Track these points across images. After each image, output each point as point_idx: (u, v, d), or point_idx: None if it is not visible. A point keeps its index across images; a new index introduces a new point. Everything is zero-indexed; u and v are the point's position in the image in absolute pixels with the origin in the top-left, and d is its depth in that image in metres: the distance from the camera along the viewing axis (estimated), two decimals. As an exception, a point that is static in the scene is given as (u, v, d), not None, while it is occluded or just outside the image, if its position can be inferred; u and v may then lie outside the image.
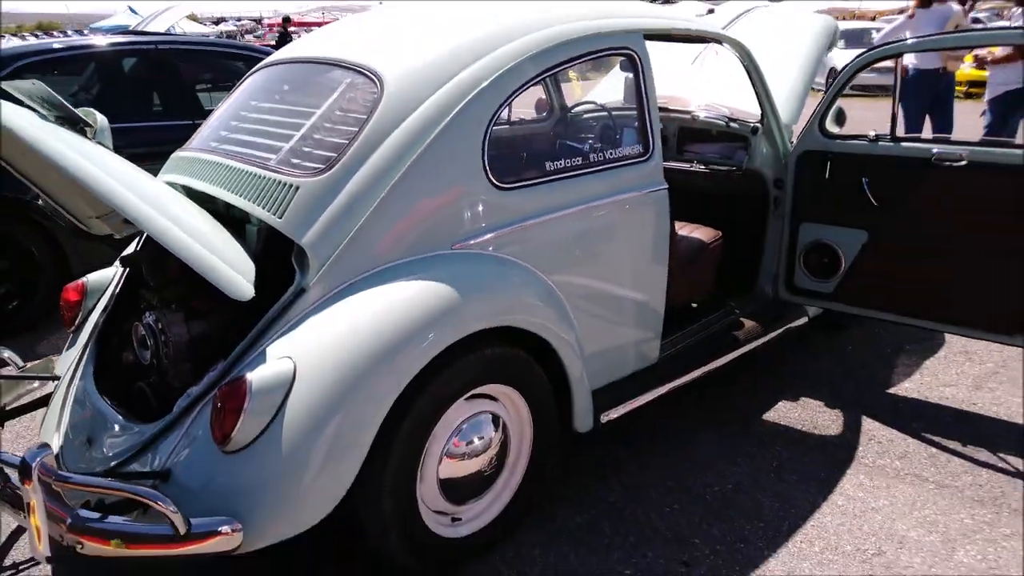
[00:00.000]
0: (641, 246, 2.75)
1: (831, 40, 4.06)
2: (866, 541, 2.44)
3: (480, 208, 2.30)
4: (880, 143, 3.16)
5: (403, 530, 2.15)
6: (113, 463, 2.12)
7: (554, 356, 2.43)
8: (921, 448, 2.94)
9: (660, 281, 2.84)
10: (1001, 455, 2.87)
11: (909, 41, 3.08)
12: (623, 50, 2.68)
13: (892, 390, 3.40)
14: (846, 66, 3.21)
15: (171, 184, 2.59)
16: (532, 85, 2.43)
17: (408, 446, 2.09)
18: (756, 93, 3.36)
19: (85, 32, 7.32)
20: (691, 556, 2.39)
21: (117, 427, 2.25)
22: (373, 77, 2.36)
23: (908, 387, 3.42)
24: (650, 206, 2.74)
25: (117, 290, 2.72)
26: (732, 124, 3.58)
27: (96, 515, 1.82)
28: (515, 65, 2.36)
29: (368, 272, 2.15)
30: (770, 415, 3.22)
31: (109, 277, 2.85)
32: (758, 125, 3.46)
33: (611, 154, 2.65)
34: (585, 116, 3.48)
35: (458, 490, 2.30)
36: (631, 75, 2.73)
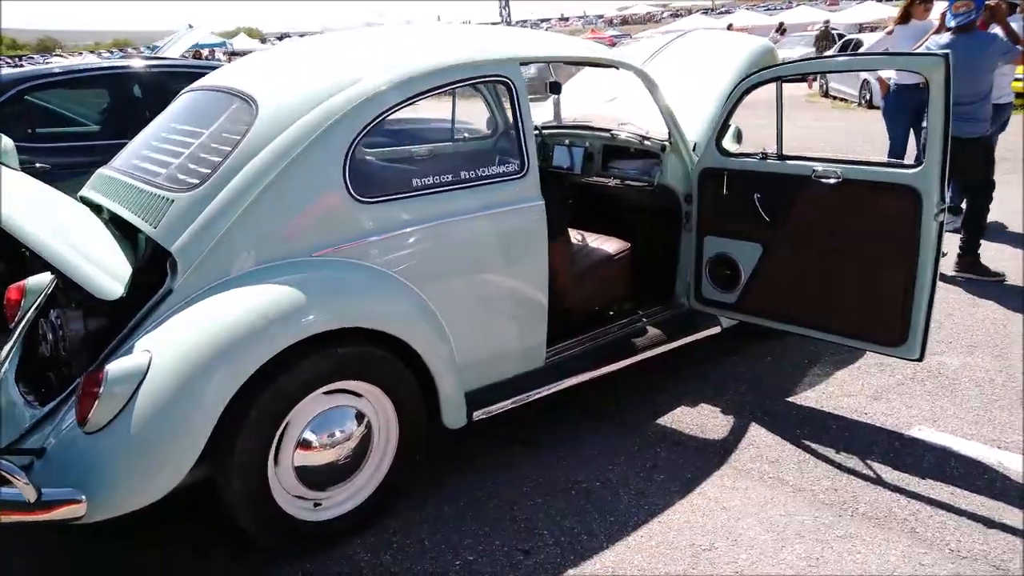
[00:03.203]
0: (517, 258, 2.94)
1: (763, 64, 4.19)
2: (704, 538, 2.58)
3: (340, 220, 2.53)
4: (768, 160, 3.29)
5: (256, 509, 2.39)
6: (6, 443, 2.41)
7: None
8: (795, 454, 3.05)
9: (539, 291, 3.03)
10: (869, 462, 2.96)
11: (789, 64, 3.20)
12: (497, 78, 2.89)
13: (792, 398, 3.51)
14: (735, 88, 3.36)
15: (85, 198, 2.91)
16: (398, 110, 2.66)
17: (256, 433, 2.33)
18: (661, 113, 3.53)
19: (152, 48, 7.82)
20: (534, 546, 2.57)
21: (19, 412, 2.56)
22: (251, 102, 2.63)
23: (808, 396, 3.52)
24: (525, 220, 2.93)
25: (50, 290, 3.04)
26: (645, 142, 3.75)
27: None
28: (377, 93, 2.59)
29: (230, 276, 2.41)
30: (665, 418, 3.37)
31: (49, 278, 3.17)
32: (666, 143, 3.62)
33: (485, 171, 2.86)
34: (464, 137, 3.69)
35: (316, 477, 2.53)
36: (507, 101, 2.93)
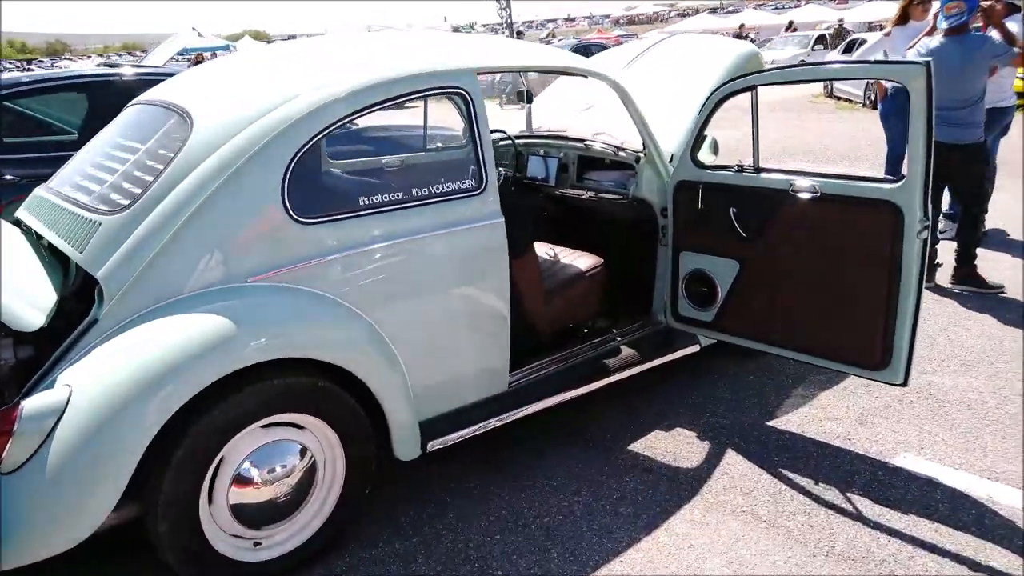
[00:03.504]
0: (476, 279, 2.79)
1: (747, 69, 4.03)
2: (667, 579, 2.42)
3: (279, 242, 2.39)
4: (744, 173, 3.13)
5: (186, 551, 2.25)
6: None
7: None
8: (771, 485, 2.88)
9: (501, 313, 2.88)
10: (849, 495, 2.80)
11: (765, 72, 3.04)
12: (453, 89, 2.74)
13: (773, 422, 3.34)
14: (709, 98, 3.20)
15: (19, 220, 2.78)
16: (342, 125, 2.51)
17: (184, 471, 2.19)
18: (634, 123, 3.37)
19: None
20: (486, 587, 2.42)
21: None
22: (186, 118, 2.49)
23: (790, 419, 3.35)
24: (484, 239, 2.78)
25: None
26: (620, 153, 3.60)
27: None
28: (318, 108, 2.44)
29: (159, 304, 2.26)
30: (636, 444, 3.21)
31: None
32: (641, 155, 3.47)
33: (439, 188, 2.71)
34: (417, 152, 3.53)
35: (255, 515, 2.39)
36: (464, 113, 2.78)
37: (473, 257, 2.77)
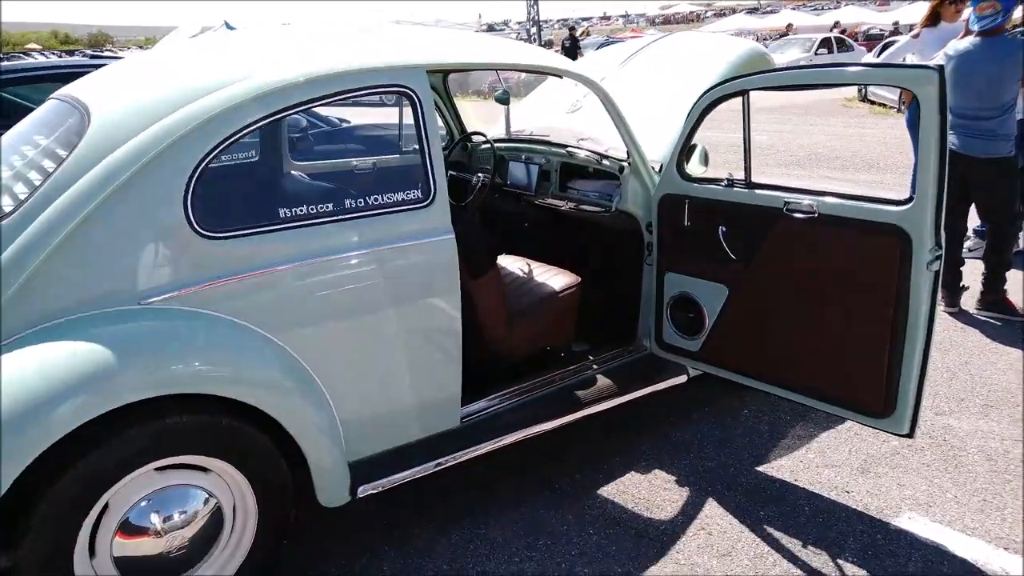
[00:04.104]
0: (420, 302, 2.48)
1: (751, 70, 3.67)
2: (617, 662, 2.08)
3: (181, 259, 2.09)
4: (735, 189, 2.78)
5: (59, 613, 1.96)
6: None
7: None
8: (752, 545, 2.53)
9: (449, 340, 2.56)
10: (841, 562, 2.43)
11: (758, 75, 2.68)
12: (397, 88, 2.42)
13: (764, 467, 2.98)
14: (696, 103, 2.85)
15: None
16: (261, 125, 2.20)
17: (54, 522, 1.90)
18: (617, 129, 3.03)
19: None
20: (407, 663, 2.10)
21: None
22: (85, 114, 2.20)
23: (783, 464, 2.99)
24: (430, 257, 2.46)
25: None
26: (604, 161, 3.26)
27: None
28: (229, 109, 2.13)
29: (36, 328, 1.97)
30: (607, 488, 2.87)
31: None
32: (625, 164, 3.13)
33: (378, 199, 2.39)
34: (355, 158, 3.20)
35: (148, 570, 2.09)
36: (410, 115, 2.46)
37: (417, 277, 2.45)
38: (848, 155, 9.86)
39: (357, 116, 6.09)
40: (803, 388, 2.72)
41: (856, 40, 25.95)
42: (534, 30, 23.12)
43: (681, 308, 3.04)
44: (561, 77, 2.95)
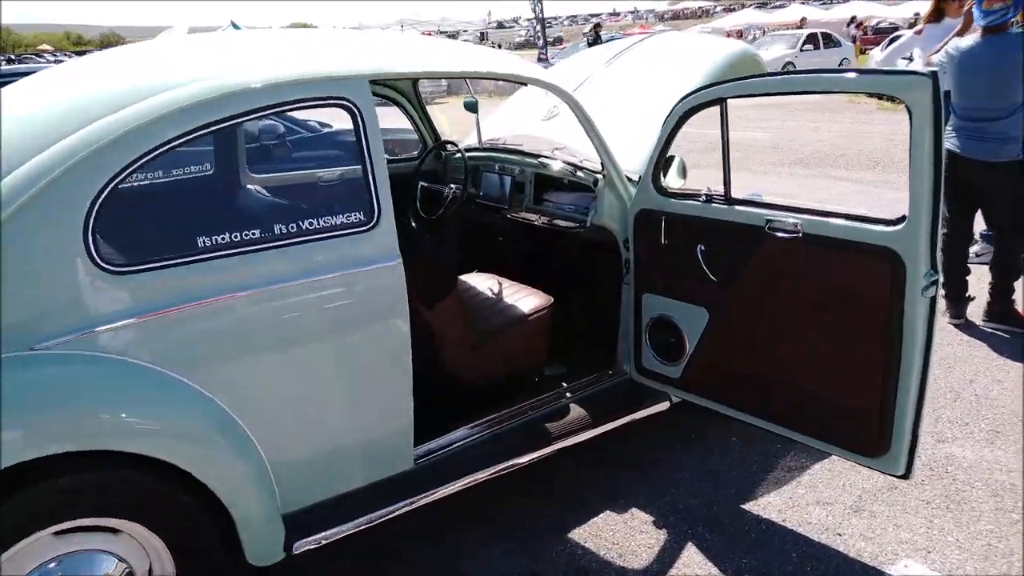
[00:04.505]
0: (363, 335, 2.26)
1: (736, 73, 3.44)
2: None
3: (79, 298, 1.86)
4: (713, 204, 2.55)
5: None
6: None
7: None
8: (732, 598, 2.30)
9: (397, 375, 2.33)
10: (829, 619, 2.20)
11: (736, 82, 2.44)
12: (335, 100, 2.20)
13: (750, 504, 2.75)
14: (671, 112, 2.61)
15: None
16: (173, 148, 1.98)
17: (-66, 599, 1.70)
18: (589, 139, 2.81)
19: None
20: None
21: None
22: (-16, 134, 1.99)
23: (771, 502, 2.75)
24: (374, 285, 2.24)
25: None
26: (578, 173, 3.03)
27: None
28: (141, 127, 1.92)
29: (-82, 378, 1.77)
30: (579, 530, 2.64)
31: None
32: (599, 176, 2.90)
33: (314, 223, 2.17)
34: (288, 177, 2.95)
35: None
36: (352, 129, 2.24)
37: (360, 308, 2.23)
38: (853, 153, 9.57)
39: (342, 121, 5.84)
40: (790, 421, 2.49)
41: (866, 33, 25.49)
42: (537, 27, 22.82)
43: (661, 331, 2.81)
44: (525, 84, 2.72)
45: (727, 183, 2.51)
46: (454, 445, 2.58)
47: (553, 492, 2.85)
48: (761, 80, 2.45)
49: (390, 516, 2.33)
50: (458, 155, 3.62)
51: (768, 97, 2.54)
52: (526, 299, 3.00)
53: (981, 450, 3.00)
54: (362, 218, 2.23)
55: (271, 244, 2.10)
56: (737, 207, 2.48)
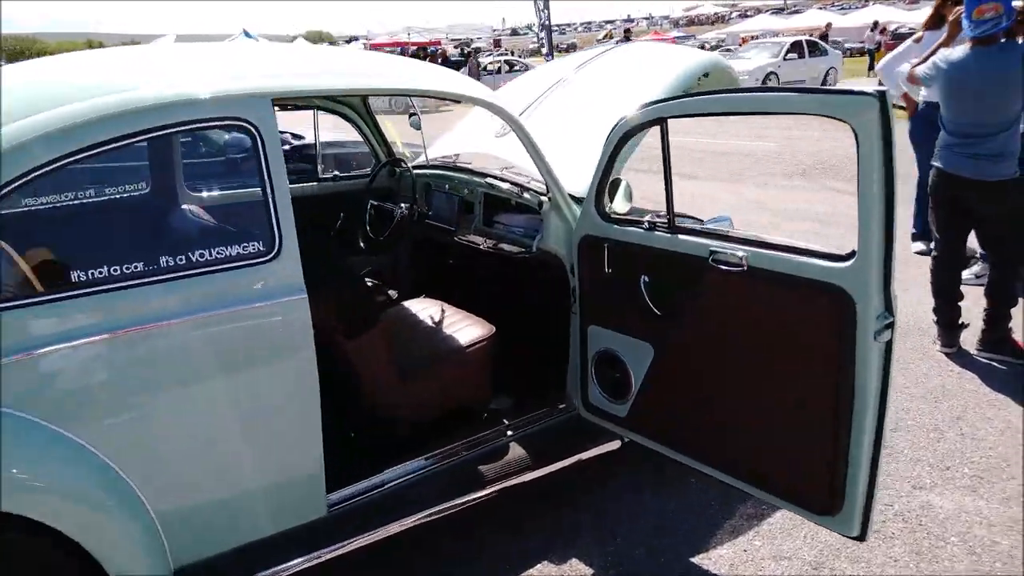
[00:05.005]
0: (263, 373, 2.07)
1: (698, 86, 3.24)
2: None
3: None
4: (656, 232, 2.34)
5: None
6: None
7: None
8: (667, 670, 2.08)
9: (305, 417, 2.14)
10: None
11: (670, 103, 2.24)
12: (231, 121, 2.02)
13: (700, 557, 2.52)
14: (611, 132, 2.41)
15: None
16: (31, 180, 1.78)
17: None
18: (532, 159, 2.61)
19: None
20: None
21: None
22: None
23: (724, 555, 2.53)
24: (276, 321, 2.05)
25: None
26: (524, 194, 2.83)
27: None
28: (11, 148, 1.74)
29: None
30: (510, 586, 2.44)
31: None
32: (544, 198, 2.70)
33: (207, 254, 1.98)
34: (174, 203, 2.74)
35: None
36: (251, 151, 2.05)
37: (257, 347, 2.04)
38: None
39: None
40: (738, 471, 2.28)
41: (885, 35, 24.90)
42: (542, 34, 22.63)
43: (606, 367, 2.61)
44: (459, 102, 2.53)
45: (670, 208, 2.29)
46: (374, 491, 2.38)
47: (487, 534, 2.64)
48: (703, 99, 2.24)
49: (299, 568, 2.14)
50: (409, 172, 3.43)
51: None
52: (466, 329, 2.80)
53: (962, 498, 2.76)
54: (261, 248, 2.04)
55: (154, 278, 1.91)
56: (680, 236, 2.27)
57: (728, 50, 26.90)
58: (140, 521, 1.92)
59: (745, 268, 2.09)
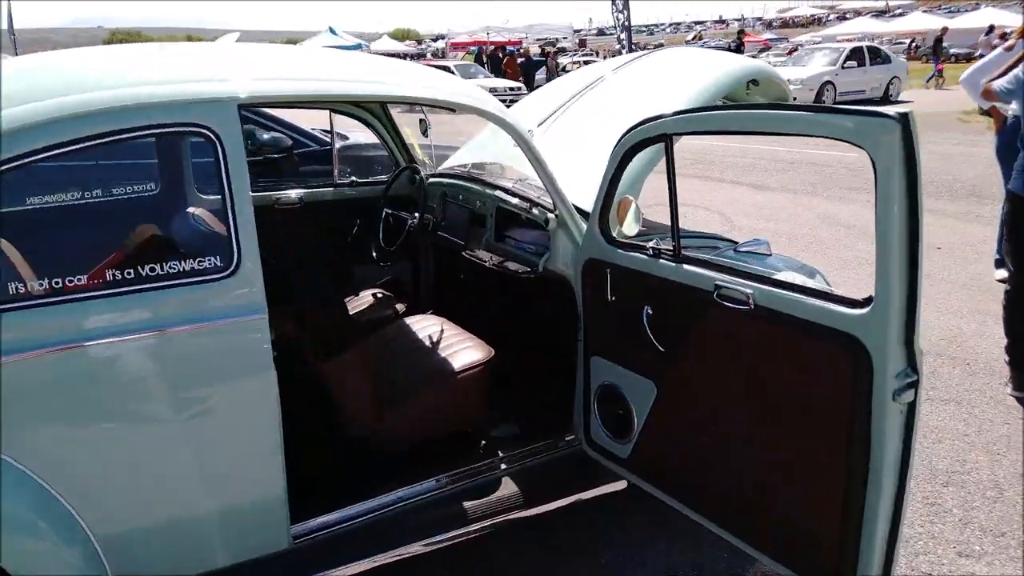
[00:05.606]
0: (218, 397, 1.93)
1: (741, 96, 2.97)
2: None
3: None
4: (661, 260, 2.10)
5: None
6: None
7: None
8: None
9: (264, 443, 2.00)
10: None
11: (675, 119, 1.99)
12: (189, 128, 1.88)
13: (703, 620, 2.27)
14: (615, 147, 2.18)
15: None
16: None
17: None
18: (536, 172, 2.41)
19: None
20: None
21: None
22: None
23: (729, 620, 2.27)
24: (231, 342, 1.92)
25: None
26: (533, 210, 2.63)
27: None
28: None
29: None
30: (489, 637, 2.24)
31: None
32: (550, 216, 2.49)
33: (157, 268, 1.86)
34: (123, 210, 2.58)
35: None
36: (212, 160, 1.91)
37: (210, 368, 1.91)
38: (948, 179, 8.66)
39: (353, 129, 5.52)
40: (742, 531, 2.02)
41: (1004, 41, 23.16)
42: (623, 35, 22.15)
43: (609, 402, 2.39)
44: (455, 111, 2.34)
45: (675, 234, 2.05)
46: (344, 523, 2.22)
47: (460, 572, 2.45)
48: (708, 115, 2.00)
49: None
50: (429, 181, 3.27)
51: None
52: (464, 351, 2.61)
53: (1015, 570, 2.41)
54: (217, 263, 1.90)
55: (97, 293, 1.80)
56: (686, 266, 2.02)
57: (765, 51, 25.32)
58: (79, 547, 1.81)
59: (751, 307, 1.83)
